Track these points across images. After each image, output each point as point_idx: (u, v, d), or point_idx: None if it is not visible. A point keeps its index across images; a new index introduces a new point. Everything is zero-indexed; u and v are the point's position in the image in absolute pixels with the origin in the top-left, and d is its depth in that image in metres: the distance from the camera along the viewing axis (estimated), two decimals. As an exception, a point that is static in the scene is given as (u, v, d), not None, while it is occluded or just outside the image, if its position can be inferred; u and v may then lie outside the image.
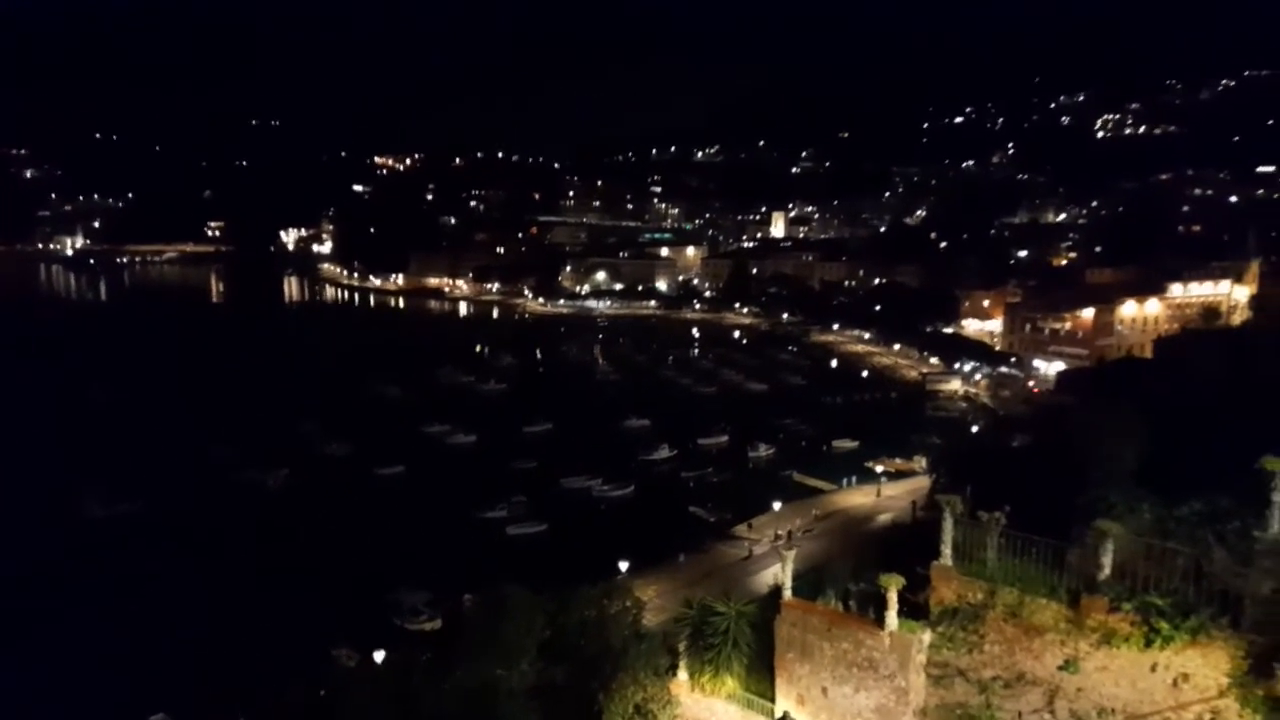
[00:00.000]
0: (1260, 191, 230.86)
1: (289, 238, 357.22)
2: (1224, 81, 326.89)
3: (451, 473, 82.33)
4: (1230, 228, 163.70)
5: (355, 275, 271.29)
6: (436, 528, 67.40)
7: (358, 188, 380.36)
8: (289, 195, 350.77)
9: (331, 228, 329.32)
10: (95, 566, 61.29)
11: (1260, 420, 20.61)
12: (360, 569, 59.34)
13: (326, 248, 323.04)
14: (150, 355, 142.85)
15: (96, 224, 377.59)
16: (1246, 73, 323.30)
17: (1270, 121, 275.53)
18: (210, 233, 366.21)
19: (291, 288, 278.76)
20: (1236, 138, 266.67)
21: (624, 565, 52.79)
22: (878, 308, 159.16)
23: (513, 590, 28.37)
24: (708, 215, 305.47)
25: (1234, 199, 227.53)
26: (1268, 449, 14.81)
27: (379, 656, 39.83)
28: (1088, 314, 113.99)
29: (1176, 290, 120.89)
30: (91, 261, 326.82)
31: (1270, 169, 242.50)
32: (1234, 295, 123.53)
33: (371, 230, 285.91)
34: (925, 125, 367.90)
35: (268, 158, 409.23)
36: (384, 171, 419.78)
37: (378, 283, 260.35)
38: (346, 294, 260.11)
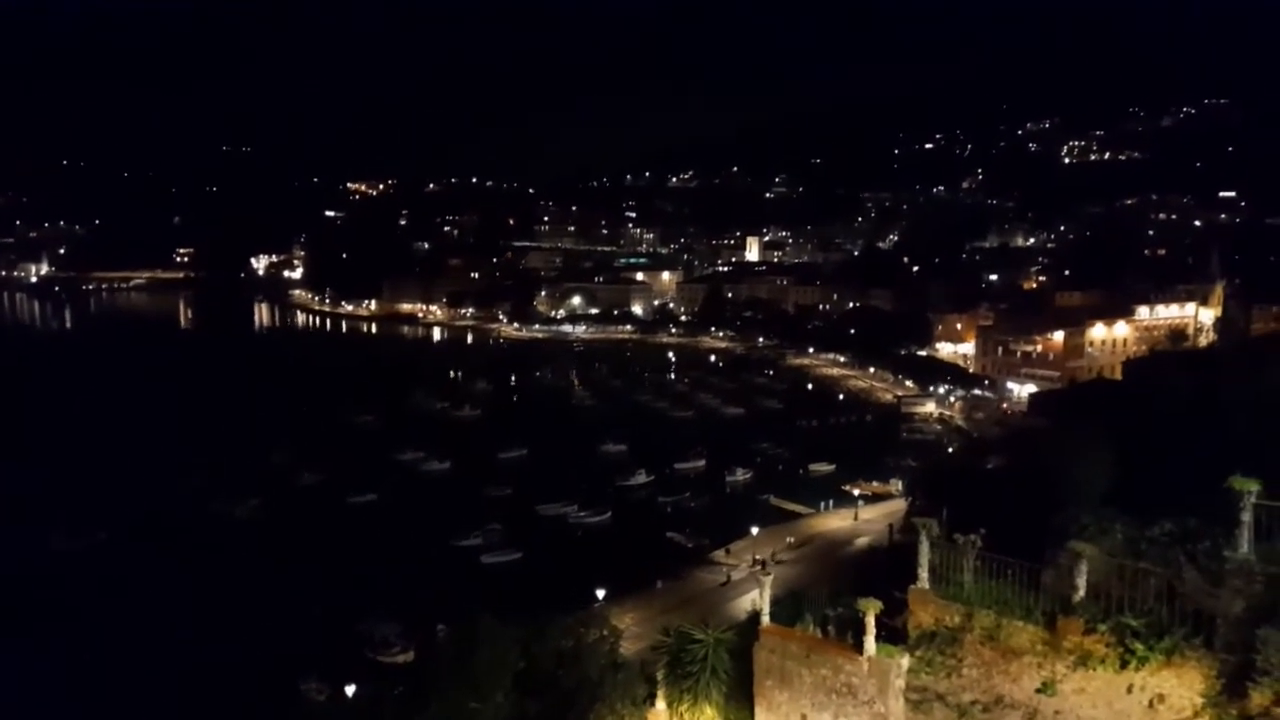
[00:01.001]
0: (1223, 216, 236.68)
1: (259, 264, 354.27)
2: (1184, 109, 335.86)
3: (425, 500, 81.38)
4: (1194, 251, 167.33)
5: (327, 301, 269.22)
6: (409, 557, 66.46)
7: (330, 213, 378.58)
8: (260, 221, 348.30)
9: (303, 253, 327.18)
10: (59, 600, 59.73)
11: (1227, 440, 20.89)
12: (330, 600, 58.32)
13: (298, 273, 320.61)
14: (115, 383, 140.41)
15: (62, 251, 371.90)
16: (1206, 101, 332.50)
17: (1230, 148, 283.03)
18: (179, 259, 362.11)
19: (262, 314, 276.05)
20: (1198, 163, 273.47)
21: (601, 593, 52.28)
22: (852, 331, 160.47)
23: (487, 620, 27.92)
24: (683, 240, 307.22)
25: (1197, 223, 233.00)
26: (1235, 469, 14.97)
27: (349, 690, 39.01)
28: (1058, 337, 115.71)
29: (1144, 313, 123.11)
30: (56, 289, 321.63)
31: (1231, 193, 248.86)
32: (1200, 317, 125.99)
33: (344, 256, 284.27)
34: (896, 151, 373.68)
35: (239, 184, 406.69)
36: (357, 197, 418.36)
37: (350, 308, 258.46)
38: (318, 320, 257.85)
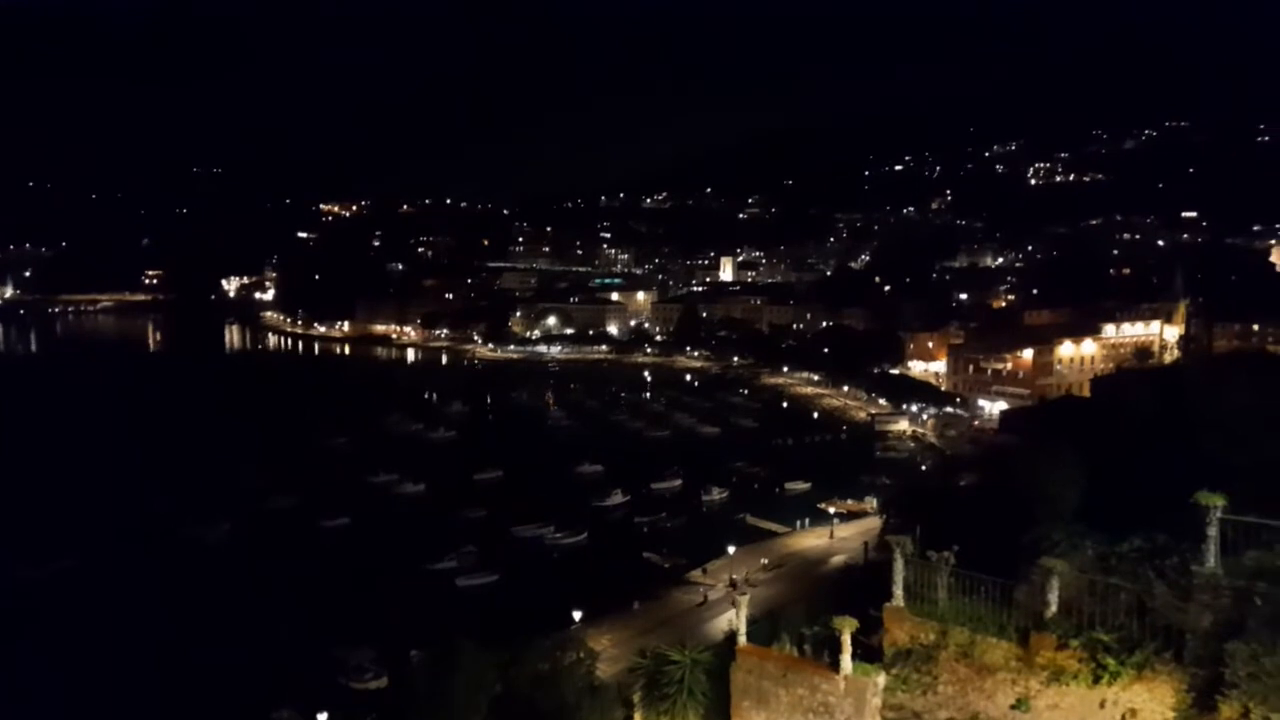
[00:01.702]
0: (1185, 235, 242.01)
1: (230, 285, 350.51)
2: (1146, 132, 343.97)
3: (399, 523, 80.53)
4: (1158, 270, 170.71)
5: (299, 323, 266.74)
6: (383, 581, 65.60)
7: (303, 235, 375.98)
8: (231, 243, 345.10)
9: (275, 275, 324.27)
10: (25, 629, 58.22)
11: (1192, 456, 21.27)
12: (303, 626, 57.37)
13: (270, 295, 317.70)
14: (82, 407, 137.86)
15: (28, 273, 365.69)
16: (1166, 123, 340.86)
17: (1191, 169, 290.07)
18: (148, 281, 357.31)
19: (233, 336, 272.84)
20: (1160, 184, 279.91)
21: (577, 615, 51.94)
22: (826, 350, 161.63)
23: (463, 644, 27.66)
24: (657, 260, 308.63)
25: (1160, 243, 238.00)
26: (1201, 484, 15.25)
27: (322, 718, 38.39)
28: (1027, 354, 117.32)
29: (1110, 331, 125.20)
30: (22, 312, 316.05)
31: (1193, 214, 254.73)
32: (1164, 335, 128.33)
33: (317, 277, 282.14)
34: (867, 173, 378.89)
35: (209, 205, 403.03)
36: (330, 218, 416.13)
37: (322, 330, 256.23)
38: (290, 342, 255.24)
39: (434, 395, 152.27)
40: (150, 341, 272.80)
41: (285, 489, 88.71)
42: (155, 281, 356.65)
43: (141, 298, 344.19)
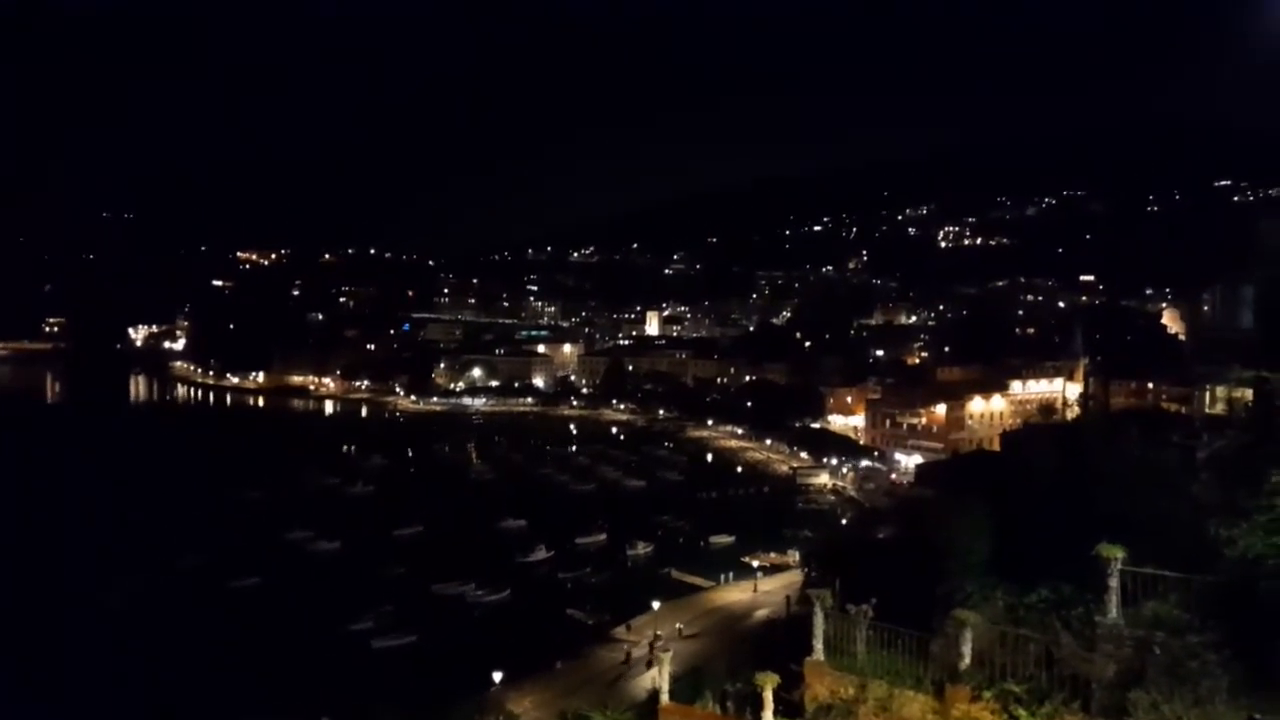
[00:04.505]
0: (1084, 298, 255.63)
1: (138, 335, 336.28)
2: (1046, 199, 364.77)
3: (313, 582, 77.18)
4: (1059, 330, 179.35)
5: (211, 373, 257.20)
6: (295, 644, 62.55)
7: (218, 283, 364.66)
8: (141, 290, 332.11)
9: (187, 324, 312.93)
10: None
11: (1093, 508, 22.25)
12: (209, 694, 54.18)
13: (180, 345, 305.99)
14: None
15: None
16: (1065, 192, 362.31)
17: (1088, 235, 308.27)
18: (49, 329, 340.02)
19: (139, 387, 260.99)
20: (1060, 249, 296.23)
21: (498, 676, 50.54)
22: (749, 404, 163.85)
23: (378, 711, 26.65)
24: (584, 313, 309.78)
25: (1061, 304, 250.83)
26: (1102, 536, 15.96)
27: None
28: (941, 410, 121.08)
29: (1017, 387, 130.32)
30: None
31: (1090, 277, 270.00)
32: (1067, 392, 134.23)
33: (231, 326, 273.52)
34: (787, 233, 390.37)
35: (119, 251, 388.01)
36: (247, 266, 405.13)
37: (235, 380, 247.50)
38: (200, 393, 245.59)
39: (352, 448, 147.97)
40: (49, 392, 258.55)
41: (193, 547, 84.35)
42: (56, 330, 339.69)
43: (40, 346, 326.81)
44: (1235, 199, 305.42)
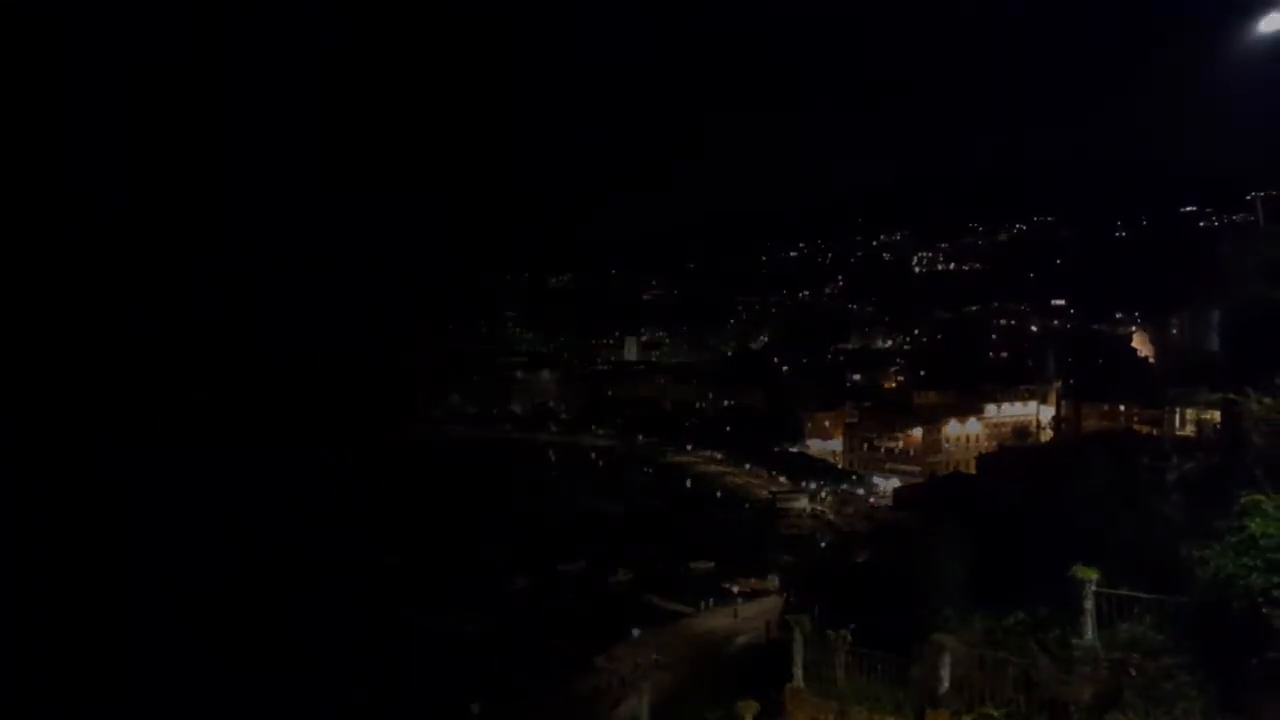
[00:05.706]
0: (1055, 322, 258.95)
1: None
2: (1017, 226, 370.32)
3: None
4: (1032, 354, 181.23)
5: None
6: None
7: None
8: None
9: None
10: None
11: (1069, 530, 22.42)
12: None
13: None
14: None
15: None
16: (1035, 218, 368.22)
17: (1059, 260, 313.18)
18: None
19: None
20: (1031, 274, 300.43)
21: (475, 708, 49.81)
22: (728, 429, 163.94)
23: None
24: (562, 339, 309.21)
25: (1034, 328, 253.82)
26: (1077, 558, 16.08)
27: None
28: (918, 433, 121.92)
29: (993, 411, 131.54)
30: None
31: (1061, 301, 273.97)
32: (1040, 415, 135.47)
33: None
34: (764, 258, 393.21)
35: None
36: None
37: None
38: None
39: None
40: None
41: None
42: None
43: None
44: (1200, 224, 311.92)
